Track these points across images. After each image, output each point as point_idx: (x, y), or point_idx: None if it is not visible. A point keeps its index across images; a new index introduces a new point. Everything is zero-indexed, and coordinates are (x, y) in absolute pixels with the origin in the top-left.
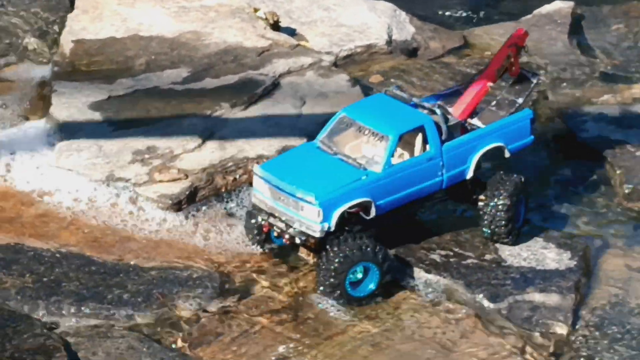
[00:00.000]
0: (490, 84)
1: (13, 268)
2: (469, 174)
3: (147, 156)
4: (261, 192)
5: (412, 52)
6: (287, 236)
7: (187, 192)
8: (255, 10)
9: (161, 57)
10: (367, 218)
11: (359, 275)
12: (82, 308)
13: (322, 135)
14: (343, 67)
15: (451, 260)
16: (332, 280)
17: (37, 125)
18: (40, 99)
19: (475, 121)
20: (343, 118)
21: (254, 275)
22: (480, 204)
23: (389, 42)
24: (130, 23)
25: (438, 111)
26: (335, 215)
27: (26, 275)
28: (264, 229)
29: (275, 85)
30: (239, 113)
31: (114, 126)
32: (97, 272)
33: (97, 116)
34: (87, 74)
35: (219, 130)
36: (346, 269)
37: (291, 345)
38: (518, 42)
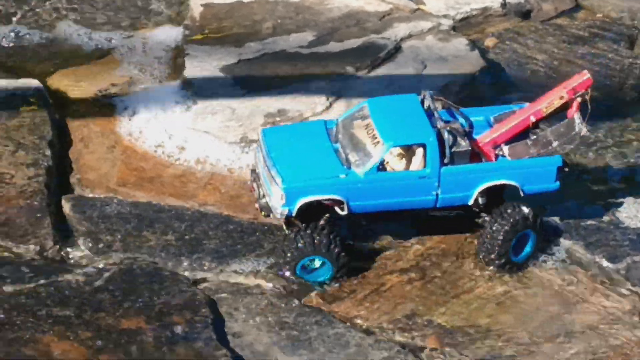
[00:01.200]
0: (533, 118)
1: (156, 226)
2: (471, 202)
3: (277, 118)
4: (259, 154)
5: (525, 14)
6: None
7: None
8: None
9: (287, 21)
10: (341, 214)
11: (317, 264)
12: (223, 265)
13: (343, 117)
14: (459, 30)
15: (571, 222)
16: (285, 264)
17: (172, 87)
18: (172, 62)
19: (505, 150)
20: (364, 108)
21: (382, 235)
22: (481, 223)
23: (504, 4)
24: None
25: (446, 134)
26: (299, 203)
27: (168, 233)
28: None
29: (397, 49)
30: (363, 76)
31: (244, 89)
32: (235, 230)
33: (228, 79)
34: (217, 38)
35: (345, 92)
36: (298, 260)
37: (420, 302)
38: (577, 87)
